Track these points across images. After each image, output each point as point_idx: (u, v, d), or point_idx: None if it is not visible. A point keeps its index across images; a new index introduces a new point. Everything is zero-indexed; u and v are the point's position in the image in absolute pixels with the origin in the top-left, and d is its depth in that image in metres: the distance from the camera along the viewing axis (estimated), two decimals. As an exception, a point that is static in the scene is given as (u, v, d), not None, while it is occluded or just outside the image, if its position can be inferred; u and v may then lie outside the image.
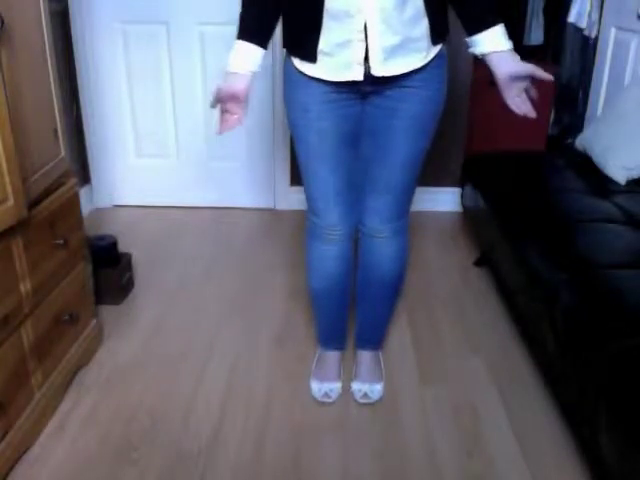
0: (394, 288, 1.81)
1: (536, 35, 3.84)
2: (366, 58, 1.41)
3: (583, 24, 3.22)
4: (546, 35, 3.84)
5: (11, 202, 1.42)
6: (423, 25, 1.42)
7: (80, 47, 2.98)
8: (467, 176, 2.67)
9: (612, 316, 1.45)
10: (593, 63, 3.11)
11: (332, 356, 1.91)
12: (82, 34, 2.96)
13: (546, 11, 3.79)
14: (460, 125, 3.10)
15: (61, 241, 1.74)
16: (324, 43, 1.42)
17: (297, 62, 1.50)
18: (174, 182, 3.27)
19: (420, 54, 1.45)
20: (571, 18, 3.31)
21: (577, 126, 3.39)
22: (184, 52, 3.03)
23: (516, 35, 3.88)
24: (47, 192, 1.70)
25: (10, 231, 1.48)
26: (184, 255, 2.76)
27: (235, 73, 1.51)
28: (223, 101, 1.53)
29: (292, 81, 1.55)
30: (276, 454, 1.63)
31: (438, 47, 1.49)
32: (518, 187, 2.26)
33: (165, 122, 3.17)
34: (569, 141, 3.30)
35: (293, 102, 1.56)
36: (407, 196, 1.67)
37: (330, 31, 1.40)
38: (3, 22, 1.39)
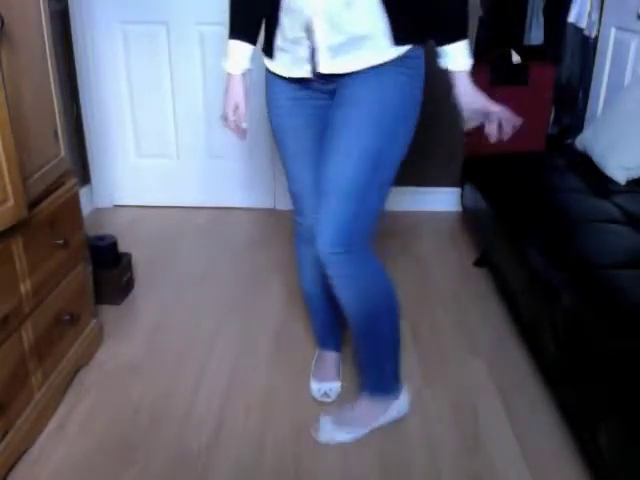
0: (368, 332, 1.60)
1: (536, 35, 3.84)
2: (313, 54, 1.42)
3: (583, 24, 3.22)
4: (546, 35, 3.83)
5: (11, 202, 1.42)
6: (377, 23, 1.37)
7: (80, 47, 2.98)
8: (467, 176, 2.67)
9: (612, 316, 1.44)
10: (593, 63, 3.11)
11: (330, 356, 1.91)
12: (82, 34, 2.96)
13: (546, 11, 3.79)
14: (460, 125, 3.10)
15: (61, 241, 1.74)
16: (280, 39, 1.46)
17: (265, 59, 1.54)
18: (174, 182, 3.27)
19: (372, 52, 1.39)
20: (571, 18, 3.31)
21: (577, 126, 3.39)
22: (184, 52, 3.03)
23: (516, 35, 3.88)
24: (47, 192, 1.70)
25: (10, 231, 1.48)
26: (184, 255, 2.76)
27: (230, 74, 1.56)
28: (230, 115, 1.58)
29: (267, 80, 1.58)
30: (276, 454, 1.63)
31: (403, 48, 1.40)
32: (518, 187, 2.26)
33: (165, 122, 3.17)
34: (569, 141, 3.30)
35: (267, 101, 1.59)
36: (357, 208, 1.42)
37: (284, 27, 1.43)
38: (3, 22, 1.39)
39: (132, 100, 3.13)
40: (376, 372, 1.69)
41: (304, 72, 1.45)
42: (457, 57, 1.44)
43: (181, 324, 2.23)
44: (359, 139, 1.42)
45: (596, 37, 3.10)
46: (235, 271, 2.62)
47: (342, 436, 1.67)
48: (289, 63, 1.47)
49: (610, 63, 2.89)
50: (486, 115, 1.45)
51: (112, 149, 3.22)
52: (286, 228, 3.04)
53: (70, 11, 2.91)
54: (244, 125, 1.59)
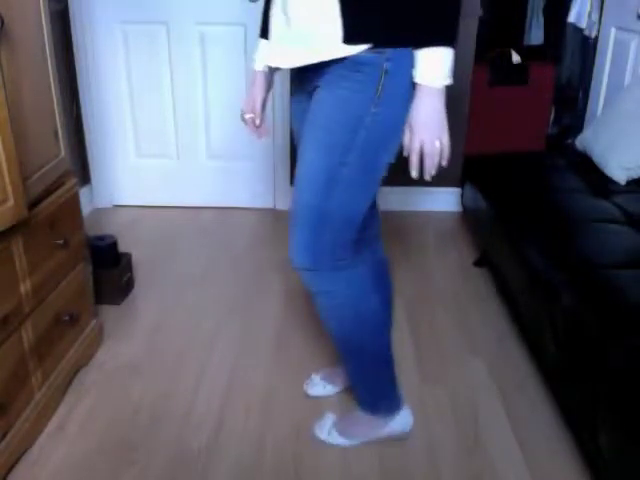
0: (349, 352, 1.55)
1: (536, 35, 3.85)
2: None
3: (583, 24, 3.23)
4: (546, 35, 3.84)
5: (11, 202, 1.42)
6: (327, 15, 1.21)
7: (80, 47, 2.98)
8: (467, 176, 2.67)
9: (612, 316, 1.44)
10: (593, 63, 3.11)
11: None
12: (82, 34, 2.96)
13: (546, 11, 3.80)
14: (460, 125, 3.11)
15: (61, 241, 1.74)
16: None
17: None
18: (174, 182, 3.27)
19: (316, 48, 1.24)
20: (571, 18, 3.32)
21: (577, 126, 3.39)
22: (184, 52, 3.03)
23: (516, 35, 3.89)
24: (47, 192, 1.70)
25: (10, 231, 1.48)
26: (184, 255, 2.76)
27: (254, 71, 1.54)
28: (247, 112, 1.57)
29: None
30: (276, 454, 1.63)
31: (355, 49, 1.21)
32: (518, 187, 2.26)
33: (165, 122, 3.17)
34: (569, 141, 3.31)
35: None
36: (309, 226, 1.35)
37: None
38: (3, 22, 1.39)
39: (132, 100, 3.13)
40: (364, 390, 1.64)
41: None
42: (424, 67, 1.21)
43: (181, 324, 2.23)
44: (306, 158, 1.34)
45: (596, 37, 3.10)
46: (235, 271, 2.62)
47: (339, 440, 1.66)
48: None
49: (610, 63, 2.89)
50: (414, 144, 1.27)
51: (112, 149, 3.22)
52: (286, 228, 3.03)
53: (70, 11, 2.91)
54: (257, 122, 1.56)
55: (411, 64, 1.23)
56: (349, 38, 1.20)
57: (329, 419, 1.70)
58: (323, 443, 1.66)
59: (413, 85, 1.25)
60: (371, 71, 1.23)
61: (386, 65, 1.22)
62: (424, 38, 1.19)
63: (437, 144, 1.26)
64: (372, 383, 1.62)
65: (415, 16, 1.19)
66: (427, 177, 1.29)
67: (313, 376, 1.88)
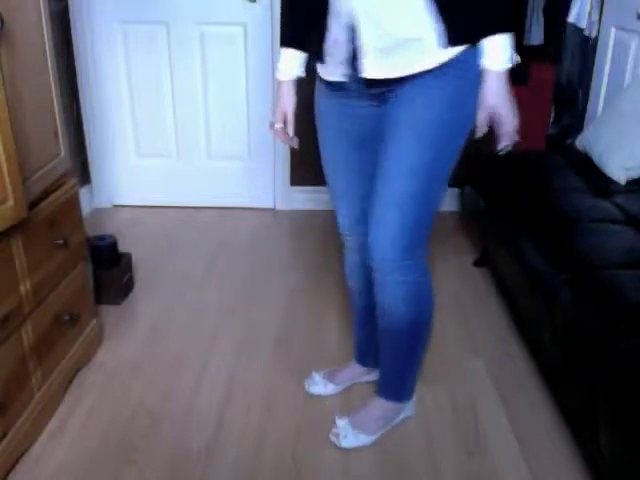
0: (407, 337, 1.60)
1: (536, 35, 3.84)
2: (355, 58, 1.37)
3: (583, 24, 3.22)
4: (546, 35, 3.84)
5: (11, 202, 1.42)
6: (425, 24, 1.28)
7: (80, 47, 2.98)
8: (467, 176, 2.67)
9: (612, 316, 1.44)
10: (593, 63, 3.11)
11: (356, 367, 1.88)
12: (82, 34, 2.96)
13: (546, 11, 3.79)
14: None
15: (61, 241, 1.74)
16: (328, 42, 1.41)
17: (317, 65, 1.50)
18: (174, 182, 3.27)
19: (420, 55, 1.31)
20: (571, 18, 3.31)
21: (577, 126, 3.39)
22: (184, 52, 3.03)
23: (516, 35, 3.88)
24: (47, 192, 1.70)
25: (10, 231, 1.48)
26: (184, 255, 2.76)
27: (280, 82, 1.55)
28: (278, 123, 1.58)
29: (317, 84, 1.55)
30: (276, 454, 1.63)
31: (454, 50, 1.31)
32: (518, 187, 2.26)
33: (165, 122, 3.17)
34: (569, 141, 3.30)
35: (315, 105, 1.58)
36: (407, 219, 1.43)
37: (331, 30, 1.39)
38: (3, 22, 1.39)
39: (132, 100, 3.13)
40: (401, 379, 1.68)
41: (341, 75, 1.41)
42: (490, 53, 1.31)
43: (181, 324, 2.23)
44: (404, 154, 1.39)
45: (596, 37, 3.10)
46: (235, 271, 2.62)
47: (364, 439, 1.65)
48: (331, 66, 1.44)
49: (610, 63, 2.89)
50: (496, 122, 1.36)
51: (112, 149, 3.22)
52: (286, 228, 3.04)
53: (70, 11, 2.91)
54: (291, 132, 1.57)
55: (479, 55, 1.32)
56: (452, 41, 1.29)
57: (345, 425, 1.67)
58: (327, 445, 1.65)
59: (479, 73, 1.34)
60: (463, 68, 1.33)
61: (471, 60, 1.32)
62: (486, 27, 1.29)
63: (510, 118, 1.34)
64: (411, 372, 1.69)
65: (486, 10, 1.28)
66: (511, 145, 1.37)
67: (314, 374, 1.88)
